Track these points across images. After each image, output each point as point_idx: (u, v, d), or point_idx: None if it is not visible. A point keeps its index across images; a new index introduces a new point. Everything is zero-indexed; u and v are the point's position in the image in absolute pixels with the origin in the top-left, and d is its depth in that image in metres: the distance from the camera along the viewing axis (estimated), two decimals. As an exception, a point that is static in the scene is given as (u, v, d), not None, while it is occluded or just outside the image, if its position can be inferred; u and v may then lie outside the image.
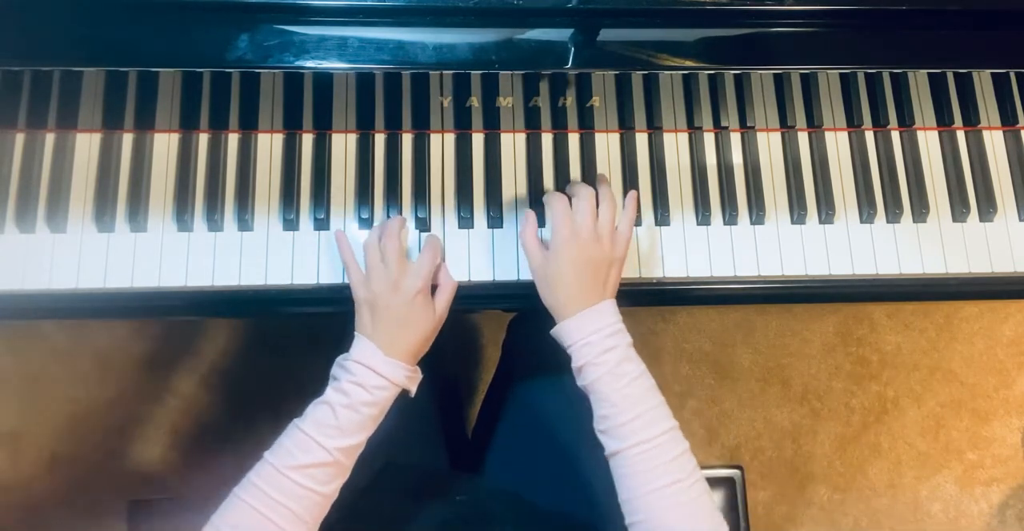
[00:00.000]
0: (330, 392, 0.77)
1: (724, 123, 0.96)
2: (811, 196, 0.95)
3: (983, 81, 1.00)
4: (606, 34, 0.81)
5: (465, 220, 0.91)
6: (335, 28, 0.79)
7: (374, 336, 0.80)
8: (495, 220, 0.92)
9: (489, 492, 0.96)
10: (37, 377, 1.62)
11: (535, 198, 0.92)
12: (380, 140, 0.93)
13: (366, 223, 0.91)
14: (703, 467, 0.76)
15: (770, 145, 0.97)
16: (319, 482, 0.73)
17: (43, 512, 1.57)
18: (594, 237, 0.82)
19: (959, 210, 0.96)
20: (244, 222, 0.89)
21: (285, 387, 1.60)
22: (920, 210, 0.95)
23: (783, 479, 1.71)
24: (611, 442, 0.76)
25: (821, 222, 0.95)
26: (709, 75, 0.96)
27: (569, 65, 0.81)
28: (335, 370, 0.79)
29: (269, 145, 0.92)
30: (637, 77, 0.96)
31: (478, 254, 0.91)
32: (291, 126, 0.92)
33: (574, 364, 0.79)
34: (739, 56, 0.85)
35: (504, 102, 0.95)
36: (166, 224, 0.89)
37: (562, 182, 0.93)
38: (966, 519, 1.73)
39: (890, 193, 0.96)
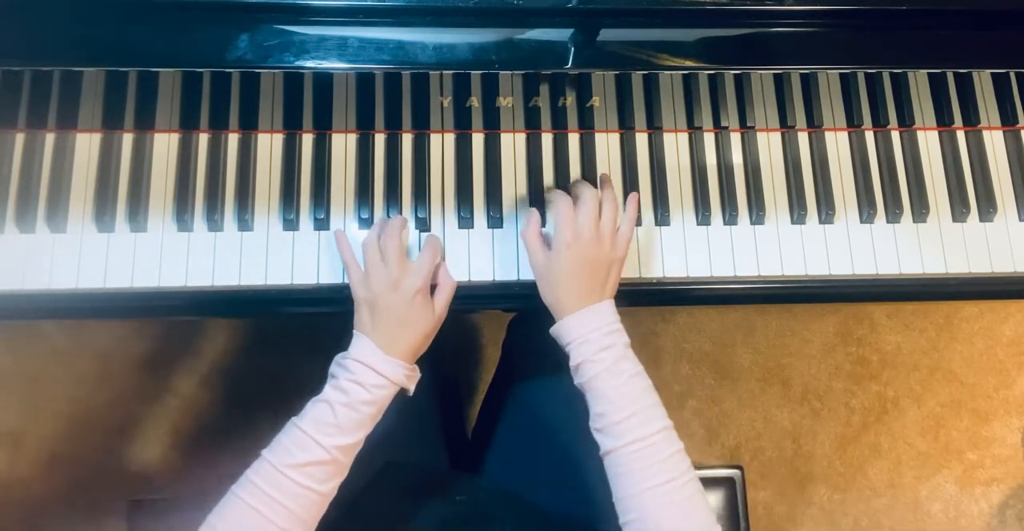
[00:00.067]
0: (329, 390, 0.77)
1: (724, 123, 0.96)
2: (811, 196, 0.95)
3: (983, 81, 1.00)
4: (606, 34, 0.81)
5: (465, 220, 0.91)
6: (335, 28, 0.79)
7: (373, 335, 0.80)
8: (495, 220, 0.92)
9: (489, 492, 0.96)
10: (37, 377, 1.62)
11: (535, 198, 0.93)
12: (380, 140, 0.93)
13: (366, 223, 0.91)
14: (703, 467, 0.76)
15: (770, 145, 0.97)
16: (317, 480, 0.73)
17: (43, 512, 1.57)
18: (596, 238, 0.82)
19: (959, 210, 0.96)
20: (244, 222, 0.89)
21: (285, 387, 1.60)
22: (920, 210, 0.95)
23: (783, 479, 1.71)
24: (606, 440, 0.76)
25: (821, 222, 0.95)
26: (709, 75, 0.96)
27: (569, 65, 0.81)
28: (334, 368, 0.79)
29: (269, 145, 0.92)
30: (637, 77, 0.96)
31: (478, 254, 0.91)
32: (291, 126, 0.92)
33: (571, 361, 0.80)
34: (739, 56, 0.85)
35: (504, 102, 0.95)
36: (166, 224, 0.89)
37: (562, 182, 0.93)
38: (966, 519, 1.72)
39: (890, 193, 0.96)
